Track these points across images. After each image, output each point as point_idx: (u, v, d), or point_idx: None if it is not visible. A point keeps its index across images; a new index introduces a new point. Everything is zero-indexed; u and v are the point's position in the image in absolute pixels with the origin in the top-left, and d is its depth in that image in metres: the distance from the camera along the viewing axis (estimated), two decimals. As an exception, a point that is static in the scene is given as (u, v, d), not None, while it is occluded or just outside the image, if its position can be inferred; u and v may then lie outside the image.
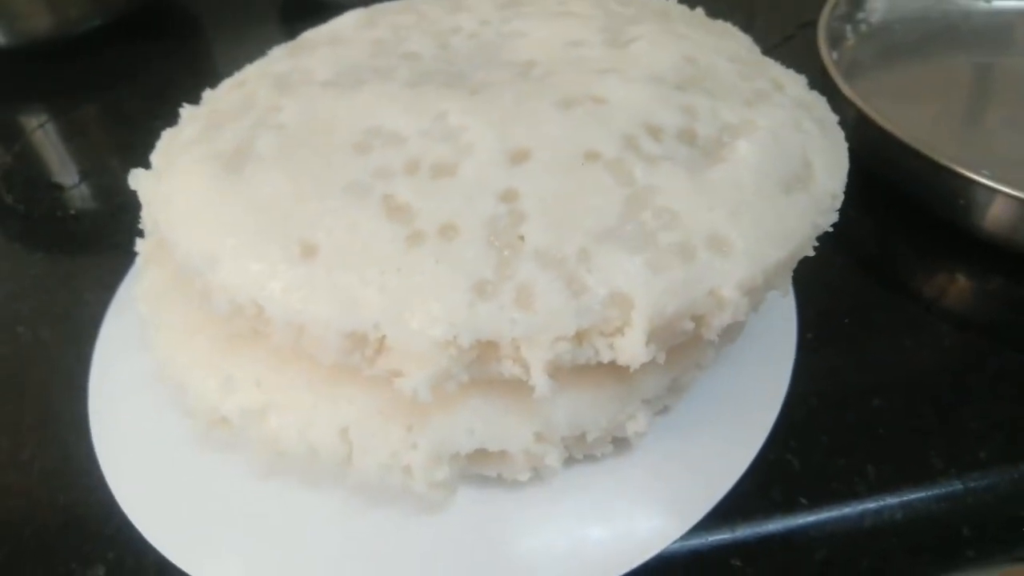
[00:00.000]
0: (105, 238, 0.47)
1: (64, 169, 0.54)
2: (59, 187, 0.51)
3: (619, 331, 0.25)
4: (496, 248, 0.25)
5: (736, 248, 0.26)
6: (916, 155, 0.40)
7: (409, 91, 0.31)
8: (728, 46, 0.35)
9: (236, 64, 0.64)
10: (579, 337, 0.25)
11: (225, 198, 0.28)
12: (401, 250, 0.25)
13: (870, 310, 0.39)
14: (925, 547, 0.31)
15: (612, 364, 0.25)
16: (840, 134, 0.32)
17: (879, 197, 0.44)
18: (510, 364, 0.25)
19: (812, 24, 0.54)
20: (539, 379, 0.24)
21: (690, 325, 0.26)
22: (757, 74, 0.34)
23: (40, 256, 0.46)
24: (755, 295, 0.26)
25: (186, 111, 0.35)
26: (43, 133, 0.57)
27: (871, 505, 0.31)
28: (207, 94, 0.37)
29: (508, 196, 0.26)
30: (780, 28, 0.61)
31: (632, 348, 0.24)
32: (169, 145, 0.33)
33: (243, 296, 0.26)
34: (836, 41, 0.54)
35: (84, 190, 0.52)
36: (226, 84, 0.37)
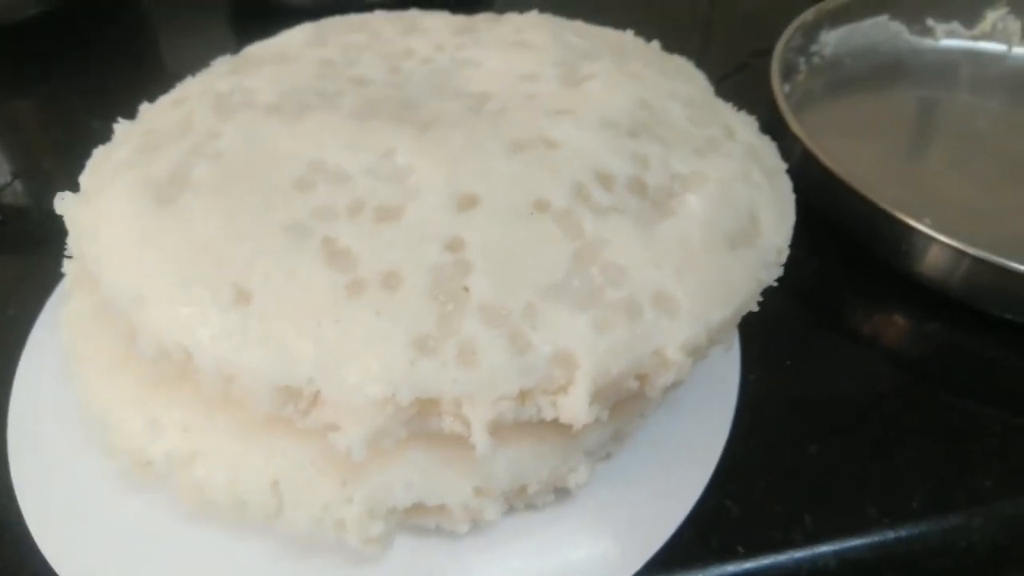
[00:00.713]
0: (34, 246, 0.44)
1: (-8, 169, 0.51)
2: (-15, 189, 0.49)
3: (562, 390, 0.24)
4: (440, 301, 0.25)
5: (682, 307, 0.26)
6: (860, 198, 0.41)
7: (355, 123, 0.30)
8: (682, 88, 0.35)
9: (184, 59, 0.61)
10: (522, 396, 0.24)
11: (155, 233, 0.27)
12: (340, 299, 0.25)
13: (811, 352, 0.39)
14: (856, 596, 0.32)
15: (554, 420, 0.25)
16: (788, 185, 0.32)
17: (823, 235, 0.44)
18: (450, 420, 0.25)
19: (766, 52, 0.55)
20: (480, 438, 0.24)
21: (634, 384, 0.25)
22: (710, 120, 0.34)
23: (-39, 266, 0.43)
24: (699, 353, 0.26)
25: (120, 128, 0.34)
26: (-29, 129, 0.54)
27: (807, 553, 0.31)
28: (144, 108, 0.35)
29: (454, 245, 0.26)
30: (735, 55, 0.62)
31: (576, 408, 0.24)
32: (100, 165, 0.32)
33: (170, 341, 0.25)
34: (789, 73, 0.55)
35: (14, 191, 0.49)
36: (165, 100, 0.35)
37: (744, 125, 0.35)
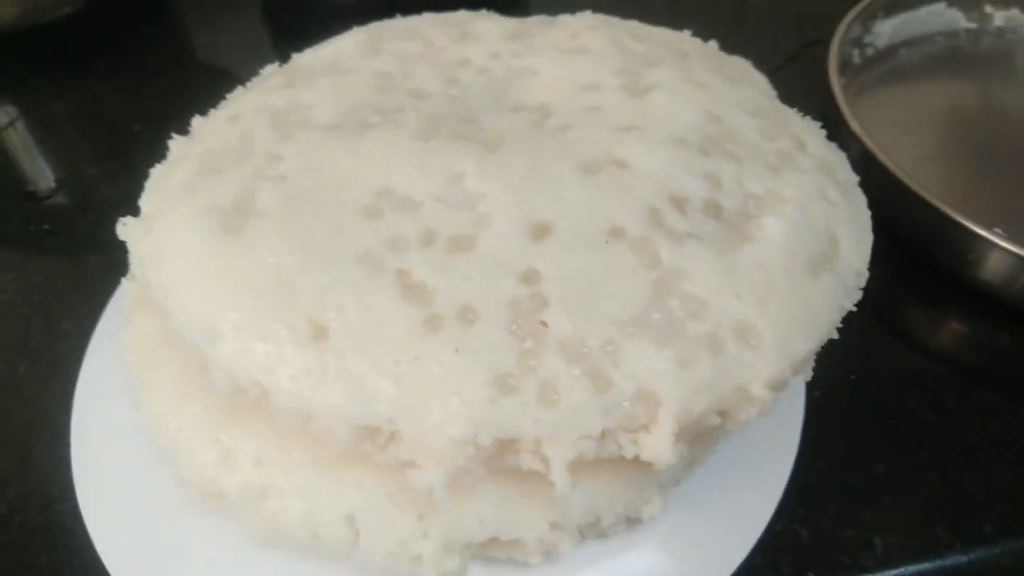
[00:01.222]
0: (83, 258, 0.44)
1: (38, 175, 0.51)
2: (32, 196, 0.49)
3: (644, 428, 0.24)
4: (518, 337, 0.24)
5: (765, 340, 0.25)
6: (925, 205, 0.40)
7: (421, 145, 0.29)
8: (748, 97, 0.34)
9: (216, 56, 0.61)
10: (603, 434, 0.24)
11: (225, 264, 0.26)
12: (418, 335, 0.24)
13: (876, 365, 0.38)
14: (930, 622, 0.31)
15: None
16: (863, 200, 0.31)
17: (884, 239, 0.43)
18: (529, 458, 0.24)
19: (815, 43, 0.53)
20: (560, 477, 0.23)
21: (717, 420, 0.25)
22: (778, 130, 0.33)
23: (12, 277, 0.43)
24: (781, 387, 0.26)
25: (176, 146, 0.33)
26: (14, 133, 0.54)
27: (878, 579, 0.31)
28: (197, 123, 0.35)
29: (529, 277, 0.25)
30: (783, 47, 0.60)
31: (659, 447, 0.24)
32: (159, 188, 0.31)
33: (246, 378, 0.24)
34: (843, 65, 0.53)
35: (60, 199, 0.49)
36: (219, 114, 0.35)
37: (813, 134, 0.34)
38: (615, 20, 0.40)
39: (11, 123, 0.55)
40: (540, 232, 0.26)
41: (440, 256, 0.26)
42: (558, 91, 0.34)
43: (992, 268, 0.39)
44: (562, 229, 0.26)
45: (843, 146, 0.34)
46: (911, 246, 0.43)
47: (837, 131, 0.38)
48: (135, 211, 0.31)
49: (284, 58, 0.38)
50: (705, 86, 0.34)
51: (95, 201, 0.48)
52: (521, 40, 0.37)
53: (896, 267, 0.43)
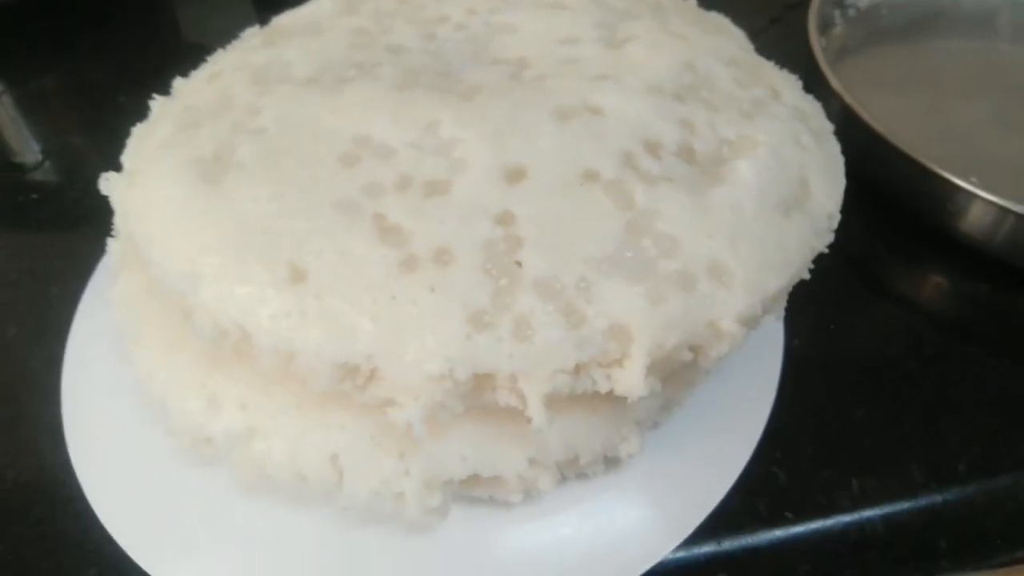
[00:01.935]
0: (70, 226, 0.45)
1: (25, 147, 0.51)
2: (20, 167, 0.49)
3: (617, 363, 0.24)
4: (492, 276, 0.25)
5: (736, 278, 0.25)
6: (903, 157, 0.40)
7: (397, 95, 0.30)
8: (724, 46, 0.34)
9: (201, 31, 0.61)
10: (577, 369, 0.24)
11: (205, 212, 0.27)
12: (394, 276, 0.25)
13: (855, 315, 0.39)
14: (904, 559, 0.32)
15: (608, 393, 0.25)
16: (836, 147, 0.32)
17: (862, 194, 0.43)
18: (505, 394, 0.25)
19: (799, 5, 0.53)
20: (536, 411, 0.24)
21: (688, 355, 0.25)
22: (754, 80, 0.33)
23: (1, 245, 0.44)
24: (753, 323, 0.26)
25: (157, 104, 0.33)
26: (1, 106, 0.54)
27: (854, 518, 0.31)
28: (178, 83, 0.35)
29: (504, 219, 0.26)
30: (765, 9, 0.60)
31: (631, 380, 0.24)
32: (141, 144, 0.31)
33: (228, 320, 0.25)
34: (825, 26, 0.54)
35: (47, 170, 0.49)
36: (199, 75, 0.35)
37: (788, 85, 0.34)
38: (594, -23, 0.40)
39: (-3, 97, 0.55)
40: (515, 176, 0.27)
41: (416, 200, 0.26)
42: (536, 45, 0.34)
43: (971, 219, 0.40)
44: (537, 173, 0.27)
45: (824, 104, 0.34)
46: (891, 200, 0.43)
47: (818, 91, 0.38)
48: (118, 170, 0.31)
49: (262, 24, 0.38)
50: (682, 37, 0.34)
51: (82, 170, 0.48)
52: (500, -3, 0.37)
53: (877, 221, 0.43)
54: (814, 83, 0.44)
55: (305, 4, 0.39)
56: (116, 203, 0.30)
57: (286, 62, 0.33)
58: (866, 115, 0.42)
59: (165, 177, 0.28)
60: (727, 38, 0.36)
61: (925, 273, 0.42)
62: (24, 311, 0.40)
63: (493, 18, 0.36)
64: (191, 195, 0.27)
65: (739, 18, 0.39)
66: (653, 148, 0.28)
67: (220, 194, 0.27)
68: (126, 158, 0.31)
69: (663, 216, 0.26)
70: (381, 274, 0.25)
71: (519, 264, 0.25)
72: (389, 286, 0.24)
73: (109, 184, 0.30)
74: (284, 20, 0.38)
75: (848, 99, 0.43)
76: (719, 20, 0.38)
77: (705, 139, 0.29)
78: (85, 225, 0.44)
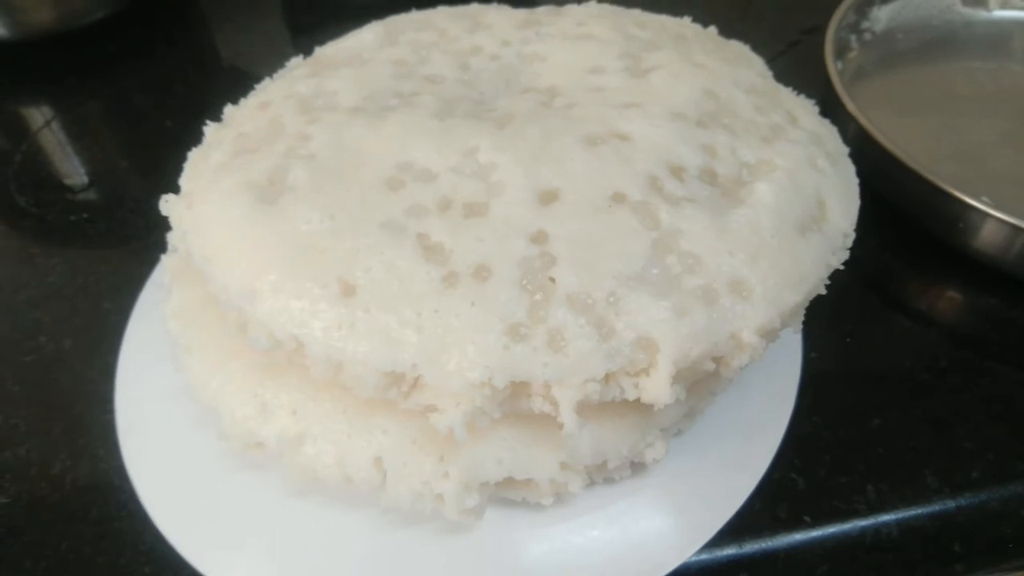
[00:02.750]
0: (120, 243, 0.47)
1: (73, 170, 0.54)
2: (70, 189, 0.52)
3: (644, 372, 0.26)
4: (528, 291, 0.26)
5: (755, 293, 0.27)
6: (916, 177, 0.42)
7: (437, 123, 0.32)
8: (744, 75, 0.36)
9: (239, 56, 0.64)
10: (607, 378, 0.26)
11: (262, 232, 0.29)
12: (437, 291, 0.26)
13: (870, 329, 0.40)
14: (918, 562, 0.33)
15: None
16: (851, 169, 0.33)
17: (878, 213, 0.45)
18: (540, 401, 0.26)
19: (816, 30, 0.55)
20: (568, 418, 0.26)
21: (711, 365, 0.27)
22: (772, 106, 0.35)
23: (56, 262, 0.46)
24: (772, 335, 0.28)
25: (211, 131, 0.36)
26: (49, 131, 0.57)
27: (870, 522, 0.33)
28: (229, 111, 0.37)
29: (538, 238, 0.28)
30: (782, 34, 0.62)
31: (657, 389, 0.26)
32: (198, 168, 0.34)
33: (283, 333, 0.27)
34: (841, 50, 0.55)
35: (96, 192, 0.52)
36: (249, 102, 0.37)
37: (805, 110, 0.36)
38: (619, 8, 0.42)
39: (47, 123, 0.58)
40: (548, 198, 0.29)
41: (456, 221, 0.28)
42: (565, 75, 0.36)
43: (983, 237, 0.41)
44: (568, 195, 0.29)
45: (840, 127, 0.36)
46: (906, 218, 0.45)
47: (834, 113, 0.39)
48: (164, 190, 0.33)
49: (305, 54, 0.41)
50: (703, 66, 0.36)
51: (129, 191, 0.51)
52: (530, 28, 0.40)
53: (891, 238, 0.45)
54: (830, 105, 0.46)
55: (347, 35, 0.41)
56: (175, 222, 0.32)
57: (331, 91, 0.35)
58: (881, 136, 0.44)
59: (223, 199, 0.30)
60: (746, 66, 0.38)
61: (938, 288, 0.43)
62: (80, 324, 0.42)
63: (524, 49, 0.38)
64: (248, 216, 0.29)
65: (758, 43, 0.41)
66: (677, 172, 0.30)
67: (275, 215, 0.29)
68: (184, 180, 0.33)
69: (687, 235, 0.28)
70: (425, 289, 0.26)
71: (552, 280, 0.27)
72: (432, 300, 0.26)
73: (168, 205, 0.32)
74: (328, 51, 0.40)
75: (863, 121, 0.45)
76: (739, 48, 0.40)
77: (726, 163, 0.31)
78: (135, 242, 0.47)
